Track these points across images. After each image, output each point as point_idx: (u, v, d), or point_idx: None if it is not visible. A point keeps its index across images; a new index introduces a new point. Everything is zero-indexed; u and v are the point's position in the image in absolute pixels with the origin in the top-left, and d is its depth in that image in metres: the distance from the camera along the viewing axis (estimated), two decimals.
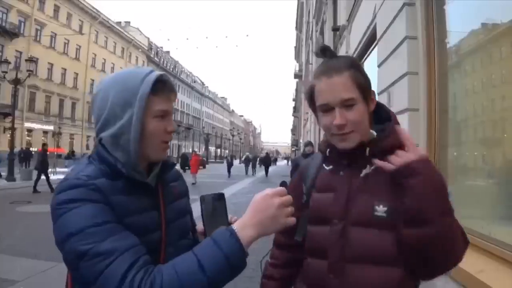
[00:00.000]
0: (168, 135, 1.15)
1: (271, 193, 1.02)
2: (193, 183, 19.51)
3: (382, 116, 1.26)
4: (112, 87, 1.10)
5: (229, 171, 28.77)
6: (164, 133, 1.14)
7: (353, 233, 1.15)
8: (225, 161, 37.48)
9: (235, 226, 0.98)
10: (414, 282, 1.17)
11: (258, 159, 42.71)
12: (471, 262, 2.44)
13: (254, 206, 1.02)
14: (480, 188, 3.11)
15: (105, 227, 0.96)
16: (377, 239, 1.12)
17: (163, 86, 1.12)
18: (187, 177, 11.50)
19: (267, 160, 32.92)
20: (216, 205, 1.10)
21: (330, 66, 1.19)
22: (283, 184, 1.07)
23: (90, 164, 1.10)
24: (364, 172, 1.19)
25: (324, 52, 1.23)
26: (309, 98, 1.25)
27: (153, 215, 1.13)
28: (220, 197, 1.11)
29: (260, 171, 34.06)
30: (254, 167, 33.69)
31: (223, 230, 0.97)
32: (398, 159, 1.09)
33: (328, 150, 1.30)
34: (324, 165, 1.33)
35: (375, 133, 1.21)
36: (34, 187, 14.55)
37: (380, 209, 1.12)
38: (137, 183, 1.10)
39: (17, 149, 26.02)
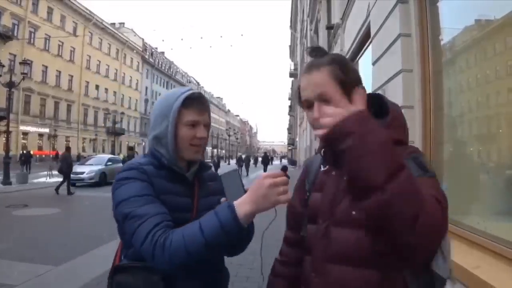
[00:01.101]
0: (197, 140, 1.45)
1: (264, 175, 1.18)
2: None
3: (384, 111, 1.22)
4: (158, 104, 1.48)
5: None
6: (193, 138, 1.44)
7: (334, 233, 1.15)
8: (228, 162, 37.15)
9: (235, 202, 1.19)
10: (397, 282, 1.09)
11: (254, 158, 43.32)
12: (467, 258, 2.45)
13: (252, 186, 1.19)
14: (476, 183, 3.12)
15: (144, 197, 1.29)
16: (356, 239, 1.10)
17: (193, 102, 1.43)
18: None
19: (266, 159, 36.36)
20: (231, 178, 1.31)
21: (312, 63, 1.20)
22: (283, 168, 1.23)
23: (144, 157, 1.49)
24: None
25: (315, 52, 1.24)
26: (298, 97, 1.26)
27: (186, 200, 1.43)
28: (234, 172, 1.34)
29: (254, 172, 34.04)
30: (247, 167, 32.95)
31: (223, 204, 1.21)
32: (328, 119, 0.96)
33: (322, 150, 1.31)
34: (321, 165, 1.34)
35: None
36: (68, 189, 15.17)
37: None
38: (176, 174, 1.44)
39: (12, 152, 25.90)
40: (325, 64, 1.17)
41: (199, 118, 1.44)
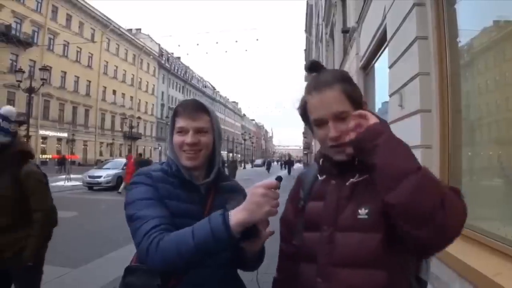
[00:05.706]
0: (186, 146, 1.44)
1: (259, 184, 1.16)
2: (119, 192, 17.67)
3: None
4: None
5: None
6: (182, 145, 1.44)
7: (339, 238, 1.18)
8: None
9: (230, 211, 1.18)
10: (402, 282, 1.14)
11: (268, 162, 46.09)
12: (487, 265, 2.40)
13: (247, 195, 1.18)
14: (495, 188, 3.06)
15: (147, 201, 1.35)
16: (361, 242, 1.14)
17: (182, 110, 1.47)
18: None
19: (290, 163, 42.59)
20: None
21: (320, 80, 1.22)
22: (278, 178, 1.20)
23: (160, 164, 1.56)
24: (350, 180, 1.22)
25: (314, 68, 1.28)
26: (303, 113, 1.29)
27: (193, 207, 1.43)
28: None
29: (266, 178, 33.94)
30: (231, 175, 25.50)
31: (218, 211, 1.20)
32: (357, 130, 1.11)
33: (321, 160, 1.34)
34: (318, 174, 1.36)
35: None
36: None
37: (362, 212, 1.15)
38: (185, 182, 1.46)
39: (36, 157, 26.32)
40: (336, 82, 1.20)
41: (186, 124, 1.44)
